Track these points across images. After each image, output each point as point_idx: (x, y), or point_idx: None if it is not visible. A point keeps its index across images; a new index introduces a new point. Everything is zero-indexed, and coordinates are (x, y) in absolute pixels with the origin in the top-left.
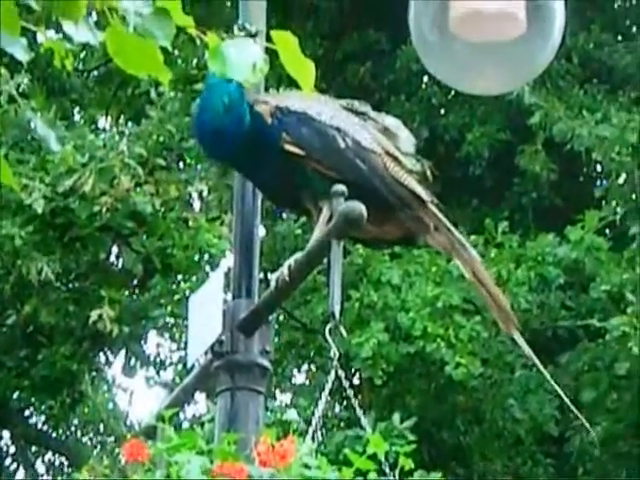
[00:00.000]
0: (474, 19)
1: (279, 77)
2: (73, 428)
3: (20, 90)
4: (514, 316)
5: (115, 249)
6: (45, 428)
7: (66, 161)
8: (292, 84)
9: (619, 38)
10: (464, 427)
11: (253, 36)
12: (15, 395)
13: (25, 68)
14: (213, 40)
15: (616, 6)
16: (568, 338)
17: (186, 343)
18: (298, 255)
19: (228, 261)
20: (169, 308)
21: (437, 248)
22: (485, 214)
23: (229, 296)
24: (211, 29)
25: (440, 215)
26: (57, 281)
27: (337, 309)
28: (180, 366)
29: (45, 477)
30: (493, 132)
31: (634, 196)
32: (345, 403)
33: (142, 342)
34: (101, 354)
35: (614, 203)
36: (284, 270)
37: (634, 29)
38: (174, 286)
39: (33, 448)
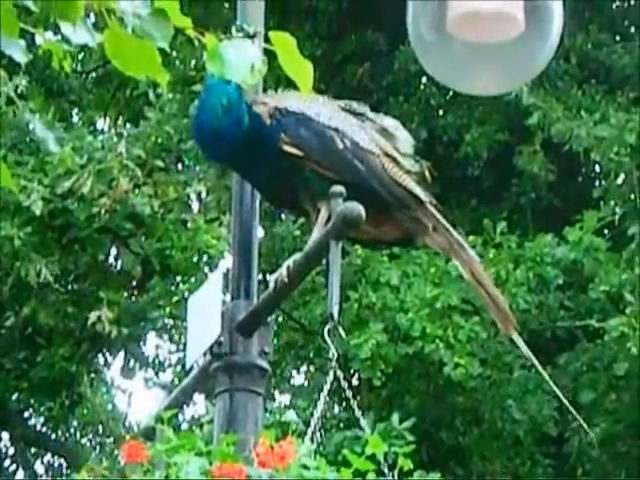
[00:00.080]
0: (472, 19)
1: (277, 78)
2: (72, 429)
3: (18, 92)
4: (513, 317)
5: (114, 250)
6: (44, 429)
7: (65, 162)
8: (290, 85)
9: (617, 38)
10: (463, 428)
11: (251, 37)
12: (14, 397)
13: (23, 70)
14: (211, 41)
15: (614, 6)
16: (567, 339)
17: (185, 344)
18: (297, 256)
19: (227, 262)
20: (168, 309)
21: (436, 249)
22: (484, 214)
23: (228, 297)
24: (209, 30)
25: (439, 216)
26: (56, 283)
27: (336, 310)
28: (179, 367)
29: (44, 478)
30: (491, 133)
31: (633, 196)
32: (344, 404)
33: (141, 343)
34: (100, 355)
35: (613, 203)
36: (283, 271)
37: (632, 29)
38: (173, 287)
39: (32, 449)
